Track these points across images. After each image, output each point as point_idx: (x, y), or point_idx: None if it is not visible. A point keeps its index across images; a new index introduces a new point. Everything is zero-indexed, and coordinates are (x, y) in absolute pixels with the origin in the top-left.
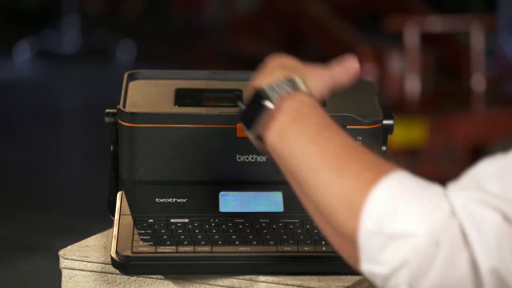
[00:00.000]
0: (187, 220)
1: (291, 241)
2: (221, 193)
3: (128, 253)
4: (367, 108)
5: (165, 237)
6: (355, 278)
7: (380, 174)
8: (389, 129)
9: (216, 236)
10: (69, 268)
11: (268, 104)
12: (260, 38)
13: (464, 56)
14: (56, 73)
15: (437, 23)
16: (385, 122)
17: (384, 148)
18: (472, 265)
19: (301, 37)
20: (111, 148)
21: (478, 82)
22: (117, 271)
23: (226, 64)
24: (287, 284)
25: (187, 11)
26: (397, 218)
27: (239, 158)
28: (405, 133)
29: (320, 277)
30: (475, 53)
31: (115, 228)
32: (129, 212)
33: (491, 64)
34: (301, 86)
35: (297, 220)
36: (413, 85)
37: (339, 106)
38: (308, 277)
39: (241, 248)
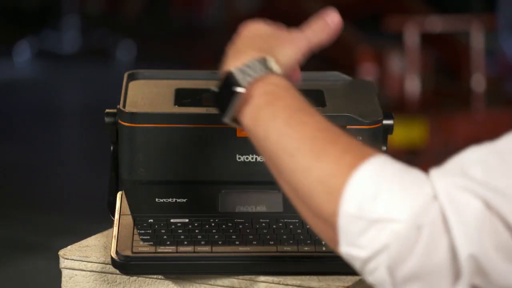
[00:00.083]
0: (187, 220)
1: (291, 241)
2: (221, 193)
3: (128, 253)
4: (367, 108)
5: (165, 237)
6: (355, 278)
7: (360, 158)
8: (389, 129)
9: (216, 236)
10: (69, 268)
11: (239, 89)
12: None
13: (464, 56)
14: (56, 73)
15: (437, 23)
16: (385, 122)
17: (384, 148)
18: (451, 251)
19: None
20: (111, 148)
21: (478, 82)
22: (117, 271)
23: None
24: (287, 284)
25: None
26: (378, 202)
27: (239, 158)
28: (405, 133)
29: (320, 277)
30: (475, 53)
31: (115, 228)
32: (129, 212)
33: (491, 64)
34: (273, 66)
35: (297, 220)
36: (413, 85)
37: (339, 106)
38: (308, 277)
39: (241, 248)
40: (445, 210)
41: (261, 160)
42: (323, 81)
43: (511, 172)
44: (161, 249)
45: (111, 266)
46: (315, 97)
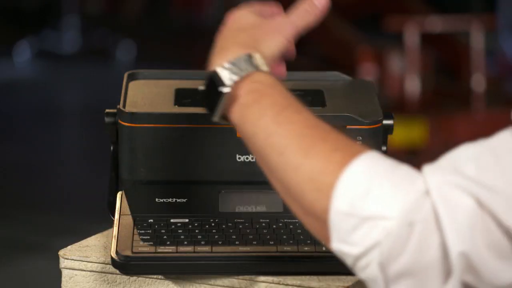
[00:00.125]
0: (187, 220)
1: (291, 241)
2: (221, 193)
3: (128, 253)
4: (367, 108)
5: (165, 237)
6: (355, 278)
7: (350, 155)
8: (389, 129)
9: (216, 236)
10: (69, 268)
11: (225, 89)
12: None
13: (464, 56)
14: (56, 73)
15: (437, 23)
16: (385, 122)
17: (384, 148)
18: (442, 248)
19: (301, 37)
20: (111, 148)
21: (478, 82)
22: (117, 271)
23: None
24: (287, 284)
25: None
26: (369, 200)
27: (239, 158)
28: (405, 133)
29: (320, 277)
30: (475, 53)
31: (115, 228)
32: (129, 212)
33: (491, 64)
34: (259, 63)
35: (297, 220)
36: (413, 85)
37: (339, 106)
38: (308, 277)
39: (241, 248)
40: (437, 208)
41: None
42: (323, 81)
43: (504, 169)
44: (161, 249)
45: (111, 266)
46: (315, 97)
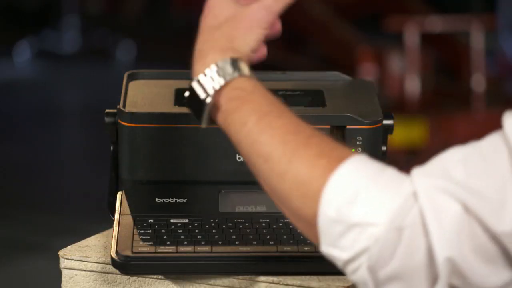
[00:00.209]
0: (187, 220)
1: (291, 241)
2: (221, 193)
3: (128, 253)
4: (367, 108)
5: (165, 237)
6: None
7: (335, 160)
8: (389, 129)
9: (216, 236)
10: (69, 268)
11: (207, 99)
12: None
13: (464, 56)
14: (56, 73)
15: (437, 23)
16: (385, 122)
17: (384, 148)
18: (428, 253)
19: (301, 37)
20: (111, 148)
21: (478, 82)
22: (117, 271)
23: None
24: (287, 284)
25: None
26: (356, 206)
27: (239, 158)
28: (405, 133)
29: (320, 277)
30: (475, 53)
31: (115, 228)
32: (129, 212)
33: (491, 64)
34: (238, 66)
35: None
36: (413, 85)
37: (339, 106)
38: (308, 277)
39: (241, 248)
40: (424, 213)
41: None
42: (323, 81)
43: (491, 173)
44: (161, 249)
45: (111, 266)
46: (315, 97)
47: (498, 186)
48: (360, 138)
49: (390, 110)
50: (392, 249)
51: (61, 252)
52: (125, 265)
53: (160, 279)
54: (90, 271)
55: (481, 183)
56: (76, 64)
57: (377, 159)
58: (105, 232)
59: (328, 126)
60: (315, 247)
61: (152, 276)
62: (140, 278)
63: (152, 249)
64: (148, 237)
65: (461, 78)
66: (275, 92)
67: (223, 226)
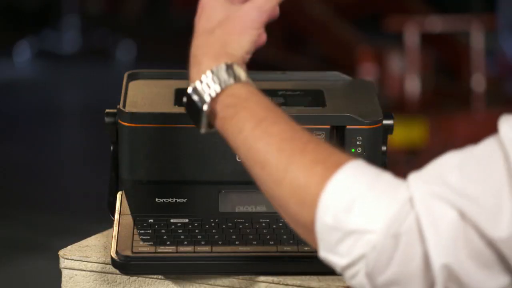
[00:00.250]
0: (187, 220)
1: (291, 241)
2: (221, 193)
3: (128, 253)
4: (367, 108)
5: (165, 237)
6: None
7: (331, 167)
8: (389, 129)
9: (216, 236)
10: (69, 268)
11: (203, 106)
12: None
13: (464, 56)
14: (56, 73)
15: (437, 23)
16: (385, 122)
17: (384, 148)
18: (425, 260)
19: (301, 37)
20: (111, 148)
21: (478, 82)
22: (117, 271)
23: None
24: (287, 284)
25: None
26: (352, 213)
27: (239, 158)
28: (405, 133)
29: (320, 277)
30: (475, 53)
31: (115, 228)
32: (129, 212)
33: (491, 64)
34: (234, 72)
35: None
36: (413, 85)
37: (339, 106)
38: (308, 277)
39: (241, 248)
40: (420, 219)
41: None
42: (323, 81)
43: (487, 179)
44: (161, 249)
45: (111, 266)
46: (315, 97)
47: (494, 191)
48: (360, 138)
49: (390, 110)
50: (389, 255)
51: (61, 252)
52: (125, 265)
53: (160, 279)
54: (90, 271)
55: (477, 188)
56: (76, 64)
57: (377, 160)
58: (105, 232)
59: (328, 126)
60: None
61: (152, 276)
62: (140, 278)
63: (152, 249)
64: (148, 237)
65: (461, 78)
66: (275, 92)
67: (223, 226)
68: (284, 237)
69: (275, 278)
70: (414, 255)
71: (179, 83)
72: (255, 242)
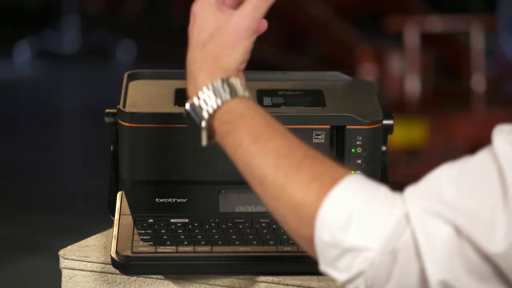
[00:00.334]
0: (187, 220)
1: (291, 241)
2: (221, 193)
3: (128, 253)
4: (367, 108)
5: (165, 237)
6: None
7: (327, 184)
8: (389, 129)
9: (216, 236)
10: (69, 268)
11: (201, 123)
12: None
13: (464, 56)
14: (56, 73)
15: (437, 23)
16: (385, 122)
17: (384, 148)
18: (422, 276)
19: (301, 37)
20: (111, 148)
21: (478, 82)
22: (117, 271)
23: None
24: (287, 284)
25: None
26: (349, 231)
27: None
28: (405, 133)
29: (320, 277)
30: (475, 53)
31: (115, 228)
32: (129, 212)
33: (491, 64)
34: (227, 88)
35: None
36: (413, 85)
37: (339, 106)
38: (308, 277)
39: (241, 248)
40: (417, 235)
41: None
42: (323, 81)
43: (481, 192)
44: (161, 249)
45: (111, 266)
46: (315, 97)
47: (488, 206)
48: (360, 138)
49: (390, 110)
50: (387, 272)
51: (61, 252)
52: (125, 265)
53: (160, 279)
54: (90, 271)
55: (472, 203)
56: (76, 64)
57: (377, 160)
58: (105, 232)
59: (328, 126)
60: None
61: (152, 276)
62: (140, 278)
63: (152, 249)
64: (148, 237)
65: (461, 78)
66: (275, 92)
67: (223, 226)
68: (284, 237)
69: (275, 278)
70: (411, 271)
71: (179, 83)
72: (255, 242)
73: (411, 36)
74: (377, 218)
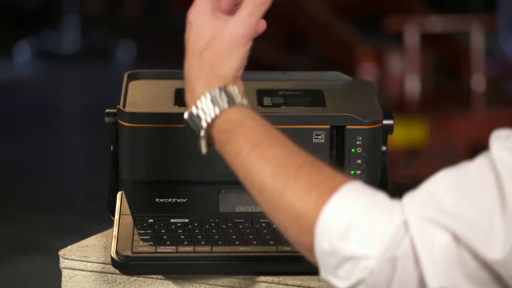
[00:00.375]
0: (187, 220)
1: None
2: (221, 193)
3: (128, 253)
4: (367, 108)
5: (165, 237)
6: None
7: (325, 192)
8: (389, 129)
9: (216, 236)
10: (69, 268)
11: (200, 132)
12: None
13: (464, 56)
14: (56, 73)
15: (437, 23)
16: (385, 122)
17: (384, 148)
18: (421, 283)
19: (301, 37)
20: (111, 148)
21: (478, 82)
22: (117, 271)
23: None
24: (287, 284)
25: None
26: (348, 240)
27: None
28: (405, 133)
29: (320, 277)
30: (475, 53)
31: (115, 228)
32: (129, 212)
33: (491, 64)
34: (225, 96)
35: None
36: (413, 85)
37: (339, 106)
38: (308, 277)
39: (241, 248)
40: (415, 243)
41: None
42: (323, 81)
43: (479, 199)
44: (161, 249)
45: (111, 266)
46: (315, 97)
47: (486, 213)
48: (360, 138)
49: (390, 110)
50: (388, 279)
51: (61, 252)
52: (125, 265)
53: (160, 279)
54: (90, 271)
55: (470, 211)
56: (76, 64)
57: (377, 160)
58: (105, 232)
59: (328, 126)
60: None
61: (152, 276)
62: (140, 278)
63: (152, 249)
64: (148, 237)
65: (461, 78)
66: (275, 92)
67: (223, 226)
68: (284, 237)
69: (275, 278)
70: (411, 278)
71: (179, 83)
72: (255, 242)
73: (411, 36)
74: (376, 226)
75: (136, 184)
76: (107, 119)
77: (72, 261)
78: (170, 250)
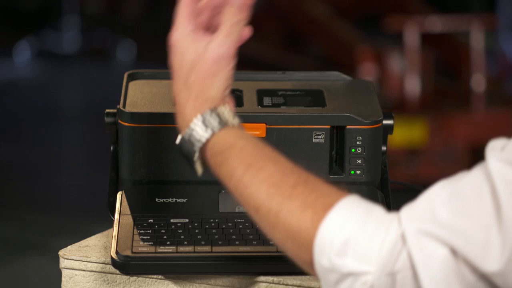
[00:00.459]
0: (187, 220)
1: None
2: (221, 193)
3: (128, 253)
4: (367, 108)
5: (165, 237)
6: None
7: (320, 210)
8: (389, 129)
9: (216, 236)
10: (69, 268)
11: (193, 156)
12: (260, 38)
13: (464, 56)
14: (56, 73)
15: (437, 23)
16: (385, 122)
17: (384, 148)
18: None
19: (301, 37)
20: (111, 148)
21: (478, 82)
22: (117, 271)
23: None
24: (287, 284)
25: None
26: (346, 256)
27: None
28: (405, 133)
29: None
30: (475, 53)
31: (115, 228)
32: (129, 212)
33: (491, 64)
34: (216, 118)
35: None
36: (413, 85)
37: (339, 106)
38: (308, 277)
39: (241, 248)
40: (413, 257)
41: None
42: (323, 81)
43: (475, 212)
44: (161, 249)
45: (111, 266)
46: (315, 97)
47: (483, 225)
48: (360, 138)
49: (390, 110)
50: None
51: (61, 252)
52: (125, 265)
53: (160, 279)
54: (90, 271)
55: (466, 223)
56: (76, 64)
57: (377, 160)
58: (105, 232)
59: (328, 126)
60: None
61: (152, 276)
62: (140, 278)
63: (152, 249)
64: (148, 237)
65: (461, 78)
66: (275, 92)
67: (223, 226)
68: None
69: (275, 278)
70: None
71: None
72: (255, 242)
73: (411, 36)
74: (373, 240)
75: (136, 184)
76: (107, 119)
77: (72, 261)
78: (170, 250)
